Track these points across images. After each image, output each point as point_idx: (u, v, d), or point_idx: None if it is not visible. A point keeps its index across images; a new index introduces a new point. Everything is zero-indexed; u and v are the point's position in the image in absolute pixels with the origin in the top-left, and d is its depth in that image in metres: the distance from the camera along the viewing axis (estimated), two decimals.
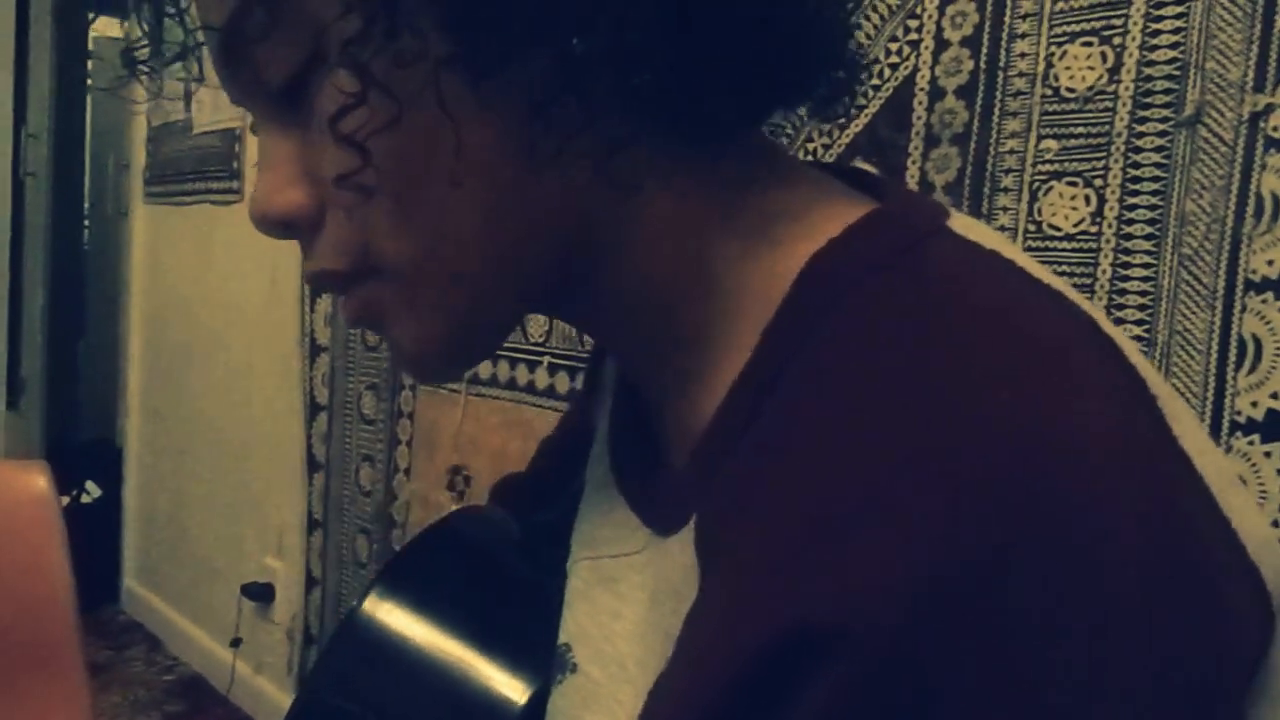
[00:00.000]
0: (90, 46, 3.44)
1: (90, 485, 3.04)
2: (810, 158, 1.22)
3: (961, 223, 0.36)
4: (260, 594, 2.27)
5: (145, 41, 0.39)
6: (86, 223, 3.87)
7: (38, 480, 1.22)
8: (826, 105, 0.41)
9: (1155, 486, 0.29)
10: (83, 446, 3.43)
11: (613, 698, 0.40)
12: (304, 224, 0.38)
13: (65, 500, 2.97)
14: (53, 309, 3.41)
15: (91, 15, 3.30)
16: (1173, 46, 0.93)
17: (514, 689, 0.46)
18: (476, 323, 0.39)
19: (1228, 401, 0.90)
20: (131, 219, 2.93)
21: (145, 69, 0.40)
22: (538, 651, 0.46)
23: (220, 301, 2.47)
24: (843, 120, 1.19)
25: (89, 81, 3.52)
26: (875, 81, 1.16)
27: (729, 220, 0.38)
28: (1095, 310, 0.34)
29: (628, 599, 0.41)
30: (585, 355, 1.33)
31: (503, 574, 0.54)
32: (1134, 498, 0.28)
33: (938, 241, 0.35)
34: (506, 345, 1.66)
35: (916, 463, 0.28)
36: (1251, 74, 0.88)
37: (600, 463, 0.47)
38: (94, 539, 2.88)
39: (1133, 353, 0.32)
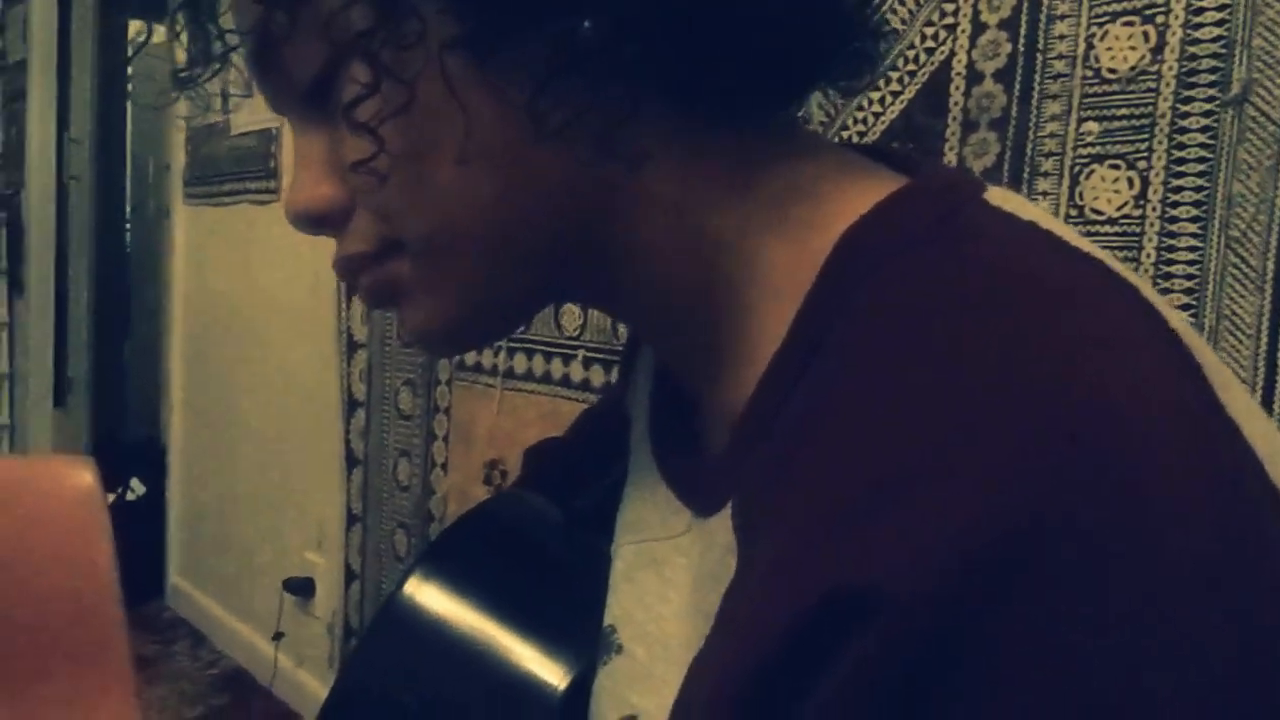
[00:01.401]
0: (129, 51, 3.50)
1: (135, 483, 3.10)
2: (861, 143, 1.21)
3: (999, 195, 0.35)
4: (301, 588, 2.30)
5: (187, 57, 0.41)
6: (129, 224, 3.94)
7: (84, 475, 1.24)
8: (849, 77, 0.41)
9: (1204, 452, 0.28)
10: (128, 445, 3.49)
11: (659, 678, 0.40)
12: (336, 218, 0.39)
13: (111, 498, 3.03)
14: (98, 310, 3.47)
15: (131, 22, 3.36)
16: (1218, 24, 0.91)
17: (555, 672, 0.46)
18: (488, 299, 0.40)
19: (1279, 386, 0.88)
20: (173, 220, 2.97)
21: (188, 84, 0.41)
22: (579, 634, 0.46)
23: (259, 300, 2.50)
24: (868, 92, 1.17)
25: (129, 86, 3.59)
26: (911, 67, 1.15)
27: (746, 197, 0.38)
28: (1139, 279, 0.33)
29: (673, 581, 0.41)
30: (619, 349, 1.33)
31: (543, 558, 0.54)
32: (1182, 463, 0.27)
33: (974, 213, 0.34)
34: (541, 339, 1.67)
35: (957, 431, 0.28)
36: None
37: (642, 447, 0.47)
38: (140, 536, 2.93)
39: (1177, 321, 0.32)
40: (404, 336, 0.43)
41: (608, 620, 0.45)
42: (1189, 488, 0.27)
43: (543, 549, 0.55)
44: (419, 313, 0.40)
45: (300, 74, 0.37)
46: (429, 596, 0.49)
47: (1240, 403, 0.30)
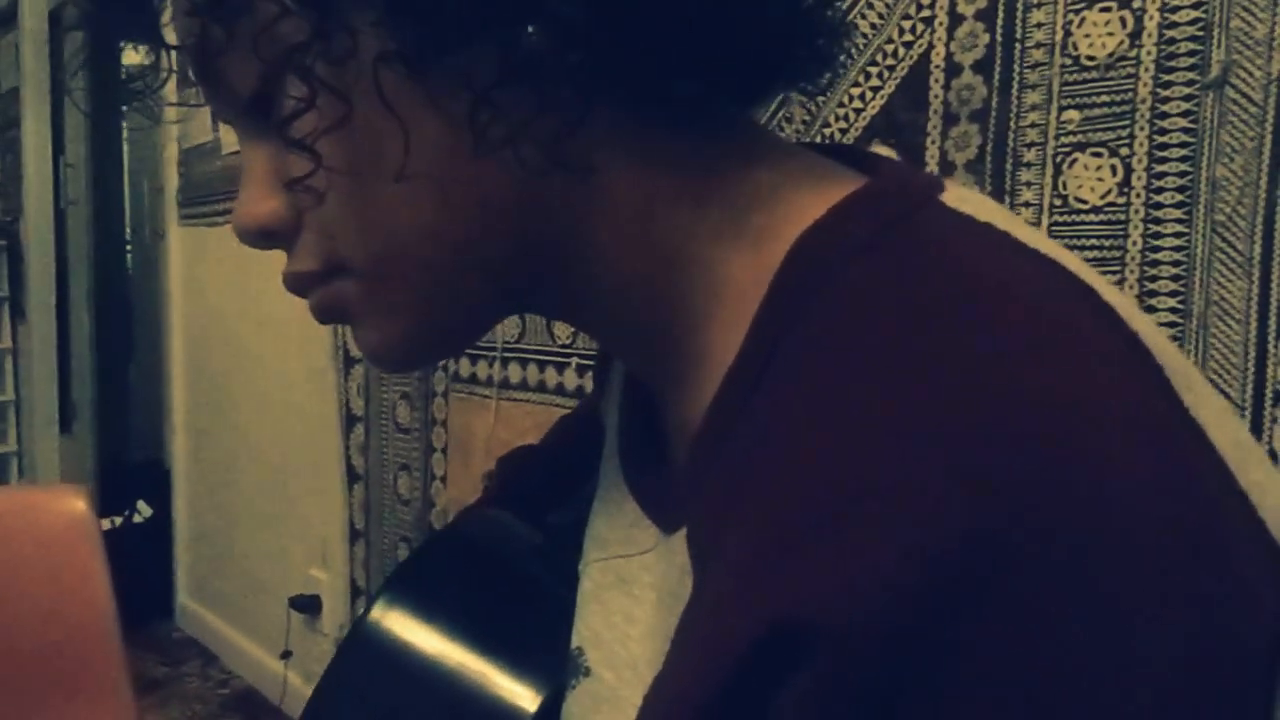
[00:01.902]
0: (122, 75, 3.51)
1: (141, 505, 3.10)
2: (826, 142, 1.20)
3: (956, 195, 0.34)
4: (307, 605, 2.30)
5: (139, 70, 0.40)
6: (129, 247, 3.95)
7: (76, 504, 1.24)
8: (809, 78, 0.40)
9: (1162, 458, 0.27)
10: (134, 467, 3.50)
11: (627, 700, 0.39)
12: (283, 233, 0.38)
13: (118, 521, 3.04)
14: (100, 334, 3.49)
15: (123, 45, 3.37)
16: (1195, 6, 0.89)
17: (525, 696, 0.46)
18: (440, 318, 0.39)
19: (1269, 372, 0.87)
20: (168, 241, 2.98)
21: (139, 97, 0.41)
22: (550, 656, 0.46)
23: (256, 318, 2.51)
24: (848, 88, 1.16)
25: (124, 108, 3.59)
26: (890, 61, 1.14)
27: (703, 205, 0.37)
28: (1098, 280, 0.32)
29: (640, 600, 0.40)
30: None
31: (514, 578, 0.54)
32: (1141, 472, 0.26)
33: (924, 216, 0.33)
34: (533, 348, 1.66)
35: (896, 454, 0.27)
36: (1279, 30, 0.85)
37: (611, 461, 0.47)
38: (147, 558, 2.94)
39: (1140, 323, 0.31)
40: (364, 357, 0.42)
41: (575, 642, 0.44)
42: (1143, 499, 0.26)
43: (514, 569, 0.54)
44: (370, 333, 0.39)
45: (240, 87, 0.36)
46: (395, 622, 0.48)
47: (1206, 404, 0.29)
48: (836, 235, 0.33)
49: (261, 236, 0.38)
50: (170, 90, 0.42)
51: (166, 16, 0.38)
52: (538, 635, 0.47)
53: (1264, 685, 0.27)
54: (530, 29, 0.32)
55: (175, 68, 0.39)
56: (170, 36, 0.38)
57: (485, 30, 0.32)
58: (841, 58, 0.41)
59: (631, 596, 0.41)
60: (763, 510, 0.29)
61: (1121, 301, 0.31)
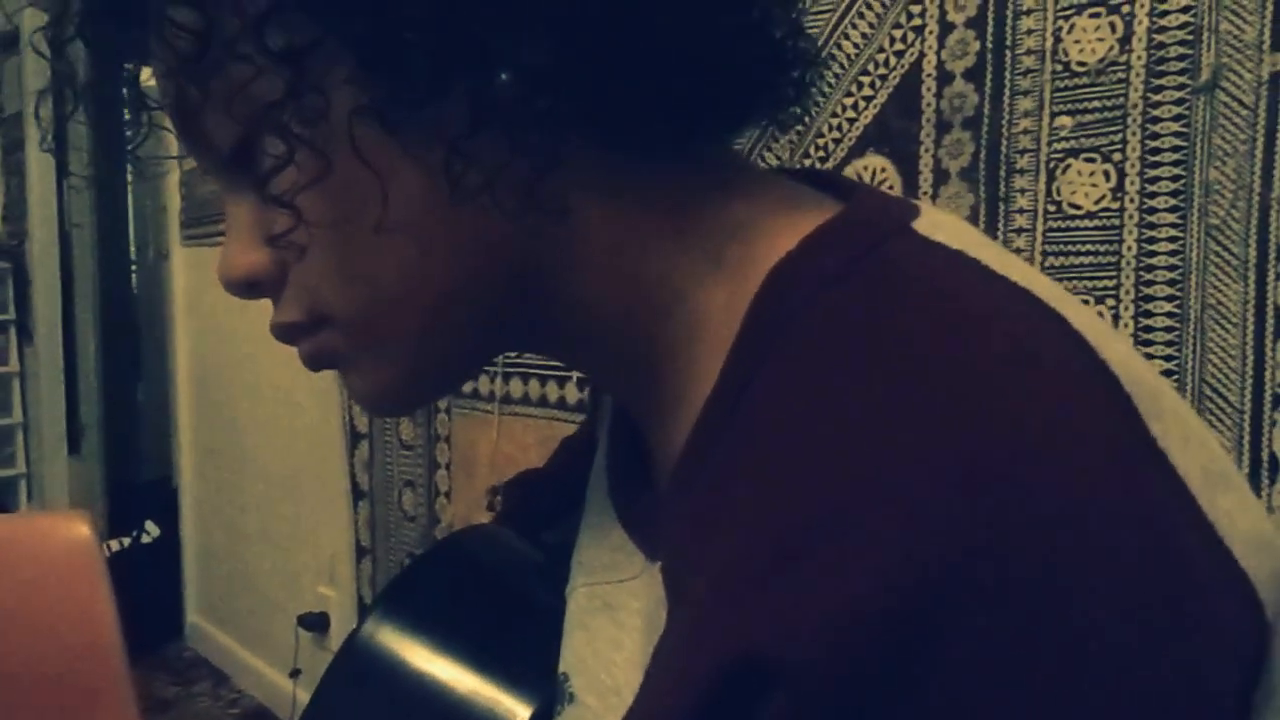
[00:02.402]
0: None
1: (150, 525, 3.11)
2: (821, 153, 1.20)
3: (929, 222, 0.34)
4: (316, 623, 2.30)
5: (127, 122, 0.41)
6: (135, 267, 3.97)
7: (79, 529, 1.24)
8: (782, 108, 0.40)
9: (1126, 488, 0.27)
10: (142, 487, 3.51)
11: None
12: (266, 283, 0.39)
13: (126, 541, 3.05)
14: (107, 355, 3.50)
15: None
16: (1184, 10, 0.89)
17: (515, 714, 0.46)
18: (428, 363, 0.39)
19: (1267, 375, 0.86)
20: (172, 261, 2.99)
21: (129, 152, 0.42)
22: (542, 676, 0.46)
23: (260, 336, 2.50)
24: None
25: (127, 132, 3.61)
26: (882, 71, 1.14)
27: (679, 240, 0.37)
28: (1070, 305, 0.32)
29: (626, 626, 0.41)
30: None
31: (509, 598, 0.54)
32: (1102, 503, 0.26)
33: (894, 246, 0.33)
34: (534, 364, 1.66)
35: (862, 488, 0.27)
36: (1268, 32, 0.84)
37: (598, 486, 0.47)
38: (157, 578, 2.95)
39: (1110, 349, 0.30)
40: (355, 402, 0.43)
41: (561, 667, 0.44)
42: (1103, 533, 0.26)
43: (510, 586, 0.54)
44: (359, 381, 0.40)
45: (220, 143, 0.37)
46: (389, 636, 0.49)
47: (1176, 432, 0.29)
48: (809, 266, 0.34)
49: (247, 288, 0.39)
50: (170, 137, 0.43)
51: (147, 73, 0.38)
52: (531, 653, 0.47)
53: (1232, 711, 0.27)
54: (499, 78, 0.32)
55: (152, 119, 0.39)
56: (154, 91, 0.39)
57: (455, 81, 0.33)
58: (816, 89, 0.41)
59: (617, 623, 0.41)
60: (730, 543, 0.30)
61: (1094, 327, 0.31)
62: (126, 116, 0.41)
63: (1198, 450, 0.30)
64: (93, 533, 1.25)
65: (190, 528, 3.02)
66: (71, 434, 3.39)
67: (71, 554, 1.21)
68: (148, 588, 2.77)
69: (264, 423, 2.56)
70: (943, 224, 0.35)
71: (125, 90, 0.39)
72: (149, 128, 0.40)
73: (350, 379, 0.40)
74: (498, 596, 0.53)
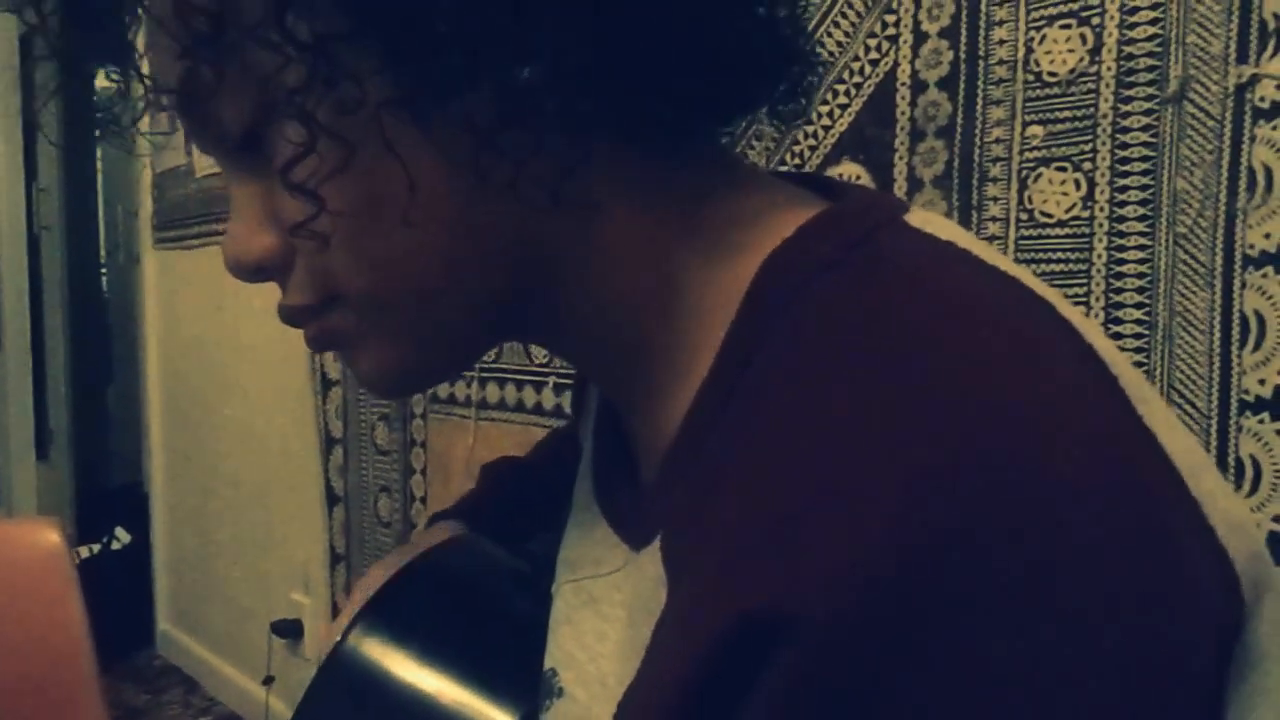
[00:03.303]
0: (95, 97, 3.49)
1: (120, 531, 3.07)
2: (797, 160, 1.21)
3: (919, 217, 0.36)
4: (289, 630, 2.28)
5: (115, 100, 0.40)
6: (104, 271, 3.93)
7: (49, 536, 1.22)
8: (786, 104, 0.41)
9: (1121, 466, 0.28)
10: (112, 493, 3.47)
11: (599, 718, 0.39)
12: (275, 267, 0.38)
13: (96, 548, 3.01)
14: (77, 358, 3.46)
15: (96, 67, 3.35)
16: (1152, 23, 0.91)
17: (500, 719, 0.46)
18: (436, 347, 0.40)
19: (1234, 381, 0.88)
20: (143, 265, 2.96)
21: (114, 127, 0.41)
22: (526, 681, 0.46)
23: (233, 341, 2.49)
24: (805, 119, 1.17)
25: (97, 132, 3.57)
26: (857, 79, 1.15)
27: (688, 233, 0.38)
28: (1056, 296, 0.33)
29: (610, 618, 0.41)
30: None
31: (491, 604, 0.54)
32: (1095, 477, 0.27)
33: (887, 234, 0.34)
34: (511, 368, 1.66)
35: (865, 452, 0.28)
36: (1234, 45, 0.86)
37: (584, 482, 0.47)
38: (127, 585, 2.91)
39: (1096, 337, 0.32)
40: (357, 381, 0.42)
41: (548, 664, 0.45)
42: (1099, 502, 0.27)
43: (492, 595, 0.54)
44: (366, 361, 0.40)
45: (230, 125, 0.36)
46: (372, 648, 0.48)
47: (1160, 416, 0.30)
48: (801, 255, 0.34)
49: (253, 271, 0.39)
50: (143, 119, 0.42)
51: (141, 43, 0.38)
52: (514, 660, 0.47)
53: (1211, 687, 0.28)
54: (529, 71, 0.33)
55: (149, 98, 0.38)
56: (145, 66, 0.38)
57: (484, 74, 0.33)
58: (813, 84, 0.42)
59: (602, 615, 0.42)
60: (732, 513, 0.30)
61: (1078, 317, 0.32)
62: (101, 90, 0.39)
63: (1178, 434, 0.31)
64: (63, 540, 1.24)
65: (161, 534, 2.99)
66: (40, 439, 3.34)
67: (41, 561, 1.20)
68: (118, 595, 2.74)
69: (237, 427, 2.54)
70: (931, 220, 0.36)
71: (116, 63, 0.38)
72: (145, 103, 0.39)
73: (358, 359, 0.40)
74: (480, 606, 0.53)
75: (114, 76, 0.39)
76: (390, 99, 0.33)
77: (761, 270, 0.35)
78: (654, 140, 0.37)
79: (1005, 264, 0.34)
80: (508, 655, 0.49)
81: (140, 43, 0.37)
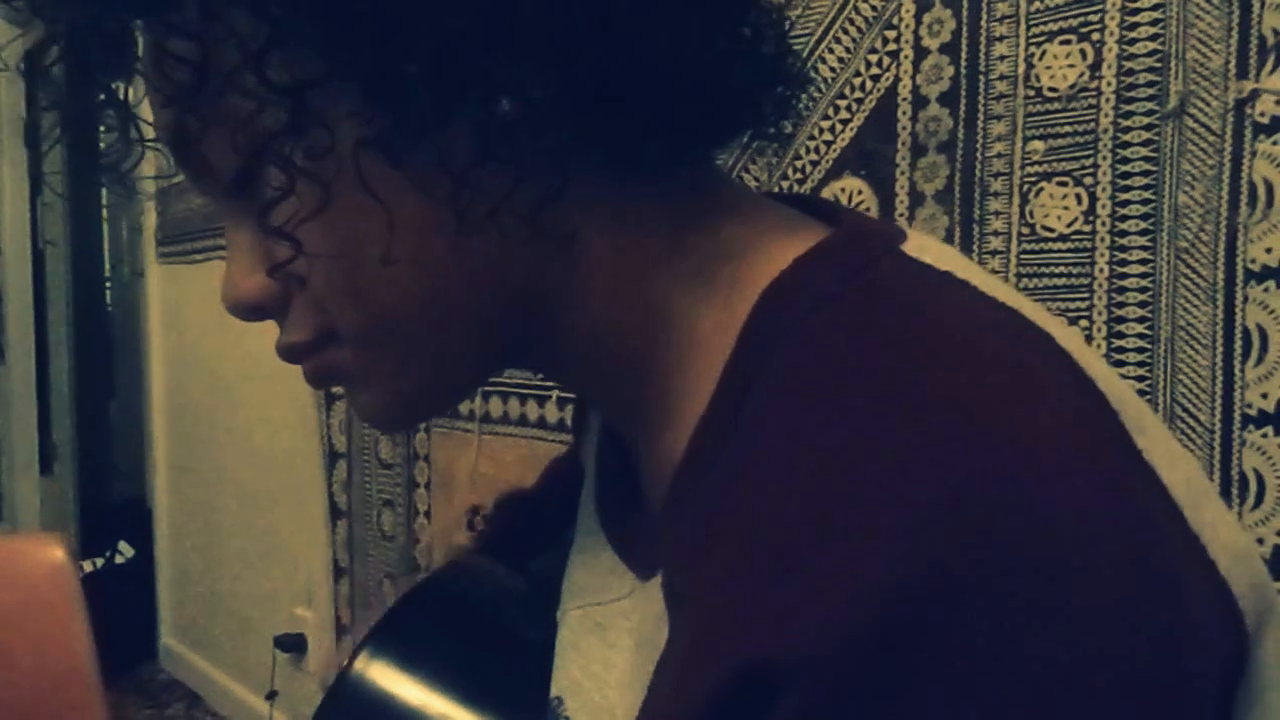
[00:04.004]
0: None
1: (124, 546, 3.07)
2: (799, 174, 1.21)
3: (916, 244, 0.35)
4: (293, 645, 2.28)
5: (115, 148, 0.41)
6: (109, 285, 3.93)
7: (54, 551, 1.23)
8: (772, 124, 0.41)
9: (1116, 499, 0.28)
10: (116, 507, 3.47)
11: None
12: (272, 307, 0.39)
13: (100, 562, 3.01)
14: (80, 372, 3.46)
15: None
16: (1152, 38, 0.91)
17: None
18: (432, 380, 0.40)
19: (1237, 395, 0.88)
20: (146, 279, 2.97)
21: (113, 174, 0.42)
22: (533, 706, 0.46)
23: (237, 355, 2.50)
24: (818, 121, 1.18)
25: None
26: (858, 95, 1.15)
27: (677, 260, 0.38)
28: (1055, 325, 0.33)
29: (618, 646, 0.41)
30: None
31: (498, 628, 0.54)
32: (1094, 512, 0.27)
33: (886, 265, 0.34)
34: (514, 382, 1.66)
35: (861, 496, 0.28)
36: (1233, 60, 0.86)
37: (588, 508, 0.47)
38: (130, 599, 2.91)
39: (1098, 367, 0.32)
40: (357, 417, 0.43)
41: (554, 691, 0.45)
42: (1095, 539, 0.27)
43: (497, 618, 0.54)
44: (364, 396, 0.40)
45: (220, 170, 0.37)
46: (379, 673, 0.49)
47: (1160, 447, 0.30)
48: (800, 287, 0.34)
49: (251, 311, 0.39)
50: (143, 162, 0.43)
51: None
52: (520, 685, 0.47)
53: (1212, 717, 0.28)
54: (503, 108, 0.33)
55: (145, 144, 0.39)
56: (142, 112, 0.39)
57: (459, 112, 0.33)
58: (802, 105, 0.42)
59: (608, 643, 0.42)
60: (731, 555, 0.30)
61: (1078, 347, 0.32)
62: (103, 136, 0.41)
63: (1179, 464, 0.31)
64: (68, 555, 1.24)
65: (164, 548, 2.99)
66: (43, 453, 3.35)
67: (46, 576, 1.20)
68: (121, 609, 2.73)
69: (240, 441, 2.54)
70: (928, 246, 0.36)
71: (113, 112, 0.38)
72: (142, 148, 0.40)
73: (357, 395, 0.41)
74: (485, 627, 0.53)
75: (111, 124, 0.39)
76: (365, 140, 0.33)
77: (759, 302, 0.35)
78: (633, 169, 0.37)
79: (1003, 292, 0.34)
80: (514, 678, 0.49)
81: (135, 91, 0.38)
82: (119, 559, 3.07)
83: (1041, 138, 0.99)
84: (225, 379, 2.59)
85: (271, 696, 2.32)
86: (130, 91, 0.38)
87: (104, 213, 3.84)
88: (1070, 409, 0.30)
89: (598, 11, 0.33)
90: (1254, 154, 0.86)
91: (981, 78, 1.04)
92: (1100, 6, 0.94)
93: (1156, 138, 0.92)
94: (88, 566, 2.90)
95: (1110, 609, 0.26)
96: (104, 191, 3.82)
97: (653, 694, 0.34)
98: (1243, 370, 0.87)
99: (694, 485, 0.35)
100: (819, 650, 0.26)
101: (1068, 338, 0.32)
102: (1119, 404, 0.30)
